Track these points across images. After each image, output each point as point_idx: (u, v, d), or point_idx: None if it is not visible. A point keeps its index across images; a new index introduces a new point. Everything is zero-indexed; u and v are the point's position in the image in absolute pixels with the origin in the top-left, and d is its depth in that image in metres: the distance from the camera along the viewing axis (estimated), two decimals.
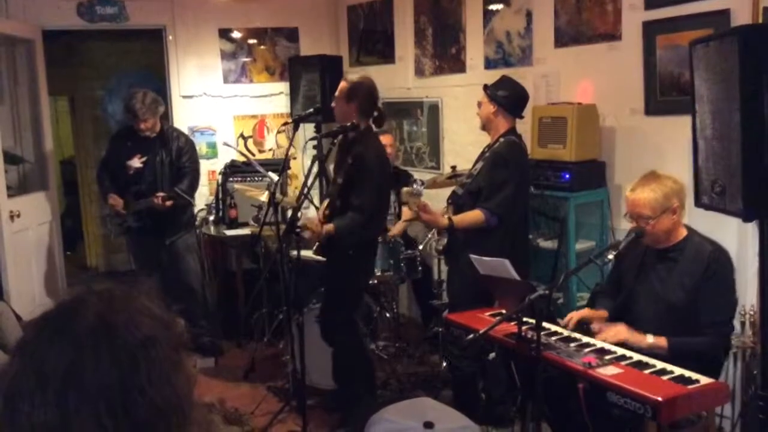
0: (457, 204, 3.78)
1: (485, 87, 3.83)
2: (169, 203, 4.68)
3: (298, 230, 3.52)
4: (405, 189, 3.61)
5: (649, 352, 2.72)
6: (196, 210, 5.37)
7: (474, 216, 3.62)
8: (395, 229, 4.76)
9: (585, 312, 3.08)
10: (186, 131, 5.66)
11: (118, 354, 0.91)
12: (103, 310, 0.94)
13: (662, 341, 2.73)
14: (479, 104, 3.84)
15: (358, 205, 3.62)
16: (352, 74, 3.88)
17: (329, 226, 3.60)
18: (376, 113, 3.78)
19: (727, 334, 2.84)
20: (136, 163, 4.85)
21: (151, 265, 5.01)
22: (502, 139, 3.71)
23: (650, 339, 2.75)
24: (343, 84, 3.76)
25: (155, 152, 4.84)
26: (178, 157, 4.88)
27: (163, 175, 4.84)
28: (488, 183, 3.62)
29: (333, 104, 3.80)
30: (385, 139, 4.99)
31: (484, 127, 3.86)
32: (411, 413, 1.23)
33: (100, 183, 5.07)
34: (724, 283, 2.77)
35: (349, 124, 3.65)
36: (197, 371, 4.76)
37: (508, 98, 3.75)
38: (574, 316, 3.02)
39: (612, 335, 2.83)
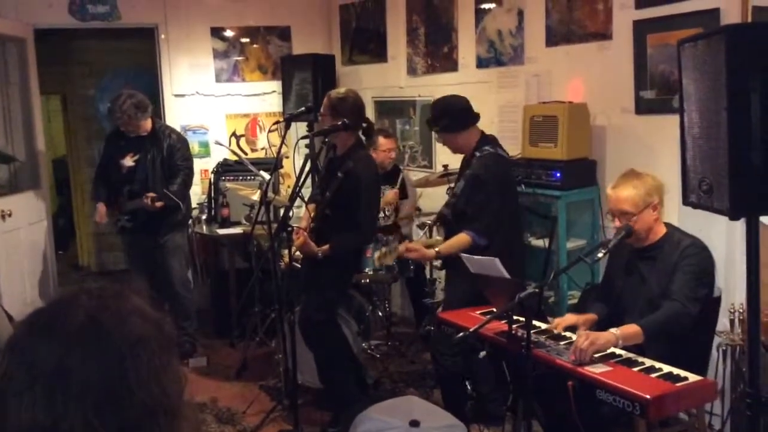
0: (447, 224, 3.77)
1: (428, 125, 3.82)
2: (159, 204, 4.67)
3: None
4: (377, 255, 3.59)
5: (629, 345, 2.70)
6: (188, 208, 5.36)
7: (461, 240, 3.56)
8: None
9: (571, 319, 3.07)
10: (178, 130, 5.66)
11: (107, 353, 0.91)
12: (94, 309, 0.94)
13: (631, 328, 2.66)
14: (437, 140, 3.83)
15: (356, 224, 3.69)
16: (337, 90, 3.87)
17: (325, 248, 3.66)
18: (364, 125, 3.81)
19: (692, 310, 2.73)
20: (128, 161, 4.85)
21: (144, 264, 5.02)
22: (477, 154, 3.62)
23: (615, 331, 2.65)
24: (326, 101, 3.77)
25: (147, 151, 4.85)
26: (170, 155, 4.87)
27: (155, 173, 4.84)
28: (470, 207, 3.56)
29: (320, 119, 3.82)
30: (388, 144, 5.01)
31: (456, 151, 3.83)
32: (397, 412, 1.24)
33: (94, 186, 5.12)
34: (692, 266, 2.77)
35: (339, 122, 3.65)
36: (189, 370, 4.76)
37: (454, 119, 3.66)
38: (560, 323, 3.01)
39: (582, 350, 2.60)
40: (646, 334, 2.68)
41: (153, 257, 5.00)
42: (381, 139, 4.98)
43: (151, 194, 4.65)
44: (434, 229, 4.10)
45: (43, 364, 0.89)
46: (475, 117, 3.74)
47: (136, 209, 4.80)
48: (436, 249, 3.64)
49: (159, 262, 4.99)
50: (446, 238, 3.76)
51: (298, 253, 3.82)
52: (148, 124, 4.88)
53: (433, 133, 3.88)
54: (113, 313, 0.95)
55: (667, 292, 2.79)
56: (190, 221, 5.51)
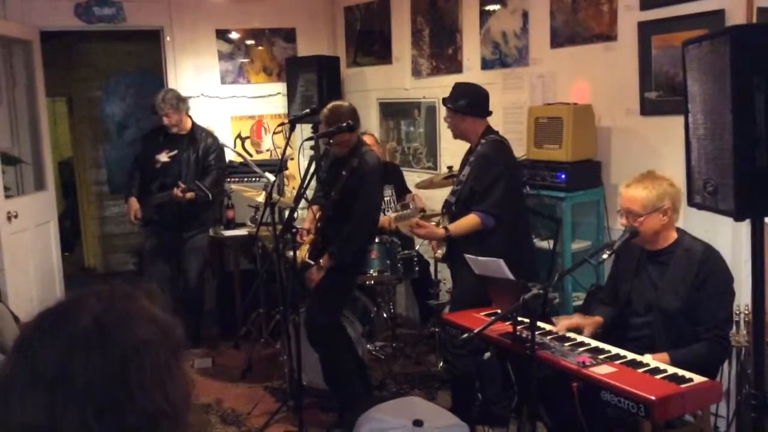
0: (451, 212, 3.77)
1: (445, 102, 3.81)
2: (189, 195, 4.79)
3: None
4: (394, 215, 3.63)
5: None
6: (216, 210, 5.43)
7: (470, 221, 3.59)
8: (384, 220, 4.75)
9: (576, 319, 3.07)
10: None
11: (110, 357, 0.90)
12: (101, 312, 0.93)
13: (663, 357, 2.69)
14: (446, 120, 3.83)
15: (354, 219, 3.73)
16: (327, 107, 3.86)
17: (326, 262, 3.73)
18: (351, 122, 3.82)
19: (726, 336, 2.84)
20: (163, 157, 5.01)
21: (162, 260, 5.09)
22: (483, 141, 3.69)
23: (648, 359, 2.69)
24: (322, 120, 3.79)
25: (183, 149, 5.00)
26: (205, 155, 5.03)
27: (188, 171, 4.98)
28: (479, 186, 3.60)
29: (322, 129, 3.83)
30: (367, 140, 5.01)
31: (458, 137, 3.85)
32: (400, 412, 1.24)
33: (128, 180, 5.24)
34: (716, 284, 2.78)
35: (344, 124, 3.67)
36: (195, 371, 4.77)
37: (471, 104, 3.71)
38: (563, 323, 3.01)
39: None
40: (674, 365, 2.67)
41: (172, 253, 5.09)
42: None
43: (183, 185, 4.78)
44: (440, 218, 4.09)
45: (47, 365, 0.89)
46: (489, 112, 3.80)
47: (163, 202, 4.92)
48: (444, 227, 3.65)
49: (178, 259, 5.08)
50: None
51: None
52: (188, 122, 5.06)
53: (444, 117, 3.85)
54: (120, 317, 0.94)
55: (686, 313, 2.78)
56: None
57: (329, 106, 3.85)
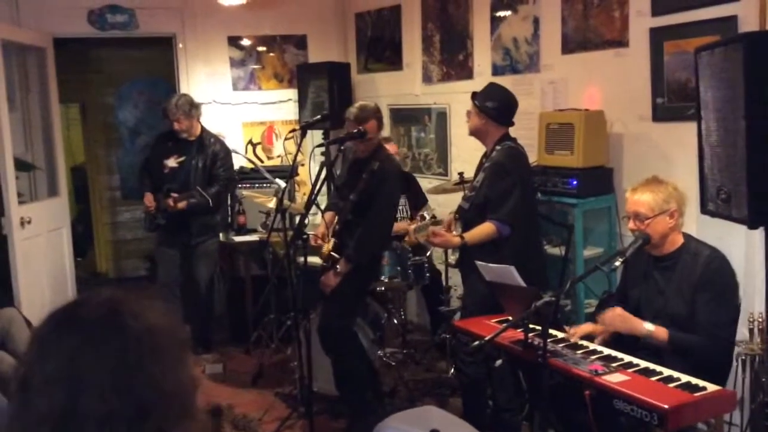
0: (464, 219, 3.76)
1: (473, 96, 3.76)
2: (181, 205, 4.81)
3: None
4: (412, 227, 3.63)
5: (646, 340, 2.79)
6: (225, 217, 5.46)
7: (486, 229, 3.58)
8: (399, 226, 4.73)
9: (588, 327, 3.06)
10: None
11: (125, 337, 0.95)
12: (113, 301, 0.99)
13: (662, 332, 2.74)
14: (468, 114, 3.81)
15: (369, 220, 3.72)
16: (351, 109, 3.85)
17: (344, 267, 3.72)
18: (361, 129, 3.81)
19: (726, 338, 2.80)
20: (171, 162, 5.05)
21: (172, 264, 5.12)
22: (498, 147, 3.66)
23: (649, 327, 2.76)
24: (350, 117, 3.78)
25: (192, 155, 5.03)
26: (213, 163, 5.05)
27: (196, 177, 5.01)
28: (493, 193, 3.58)
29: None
30: (390, 148, 5.01)
31: (473, 135, 3.83)
32: (417, 421, 1.24)
33: (139, 180, 5.34)
34: (718, 286, 2.76)
35: (355, 131, 3.68)
36: (206, 376, 4.78)
37: (498, 109, 3.68)
38: (576, 332, 3.00)
39: (607, 324, 2.91)
40: (671, 346, 2.69)
41: (182, 258, 5.13)
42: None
43: (174, 195, 4.82)
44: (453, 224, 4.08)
45: (64, 352, 0.93)
46: (512, 122, 3.78)
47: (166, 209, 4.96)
48: (460, 235, 3.63)
49: (187, 265, 5.12)
50: (464, 232, 3.75)
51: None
52: (198, 128, 5.08)
53: (467, 110, 3.83)
54: (132, 306, 0.99)
55: (693, 318, 2.77)
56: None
57: (357, 104, 3.85)
